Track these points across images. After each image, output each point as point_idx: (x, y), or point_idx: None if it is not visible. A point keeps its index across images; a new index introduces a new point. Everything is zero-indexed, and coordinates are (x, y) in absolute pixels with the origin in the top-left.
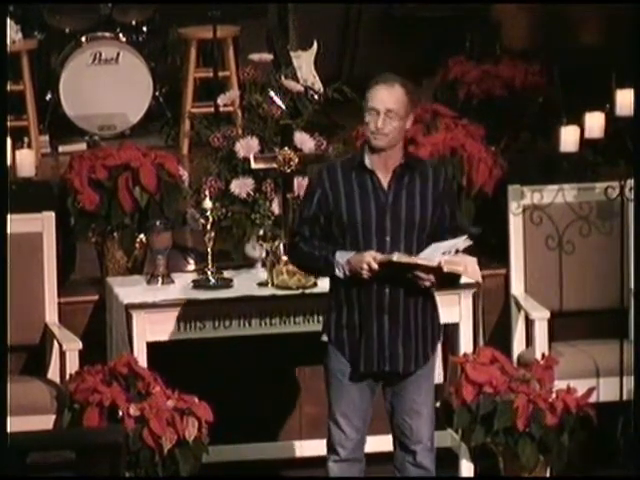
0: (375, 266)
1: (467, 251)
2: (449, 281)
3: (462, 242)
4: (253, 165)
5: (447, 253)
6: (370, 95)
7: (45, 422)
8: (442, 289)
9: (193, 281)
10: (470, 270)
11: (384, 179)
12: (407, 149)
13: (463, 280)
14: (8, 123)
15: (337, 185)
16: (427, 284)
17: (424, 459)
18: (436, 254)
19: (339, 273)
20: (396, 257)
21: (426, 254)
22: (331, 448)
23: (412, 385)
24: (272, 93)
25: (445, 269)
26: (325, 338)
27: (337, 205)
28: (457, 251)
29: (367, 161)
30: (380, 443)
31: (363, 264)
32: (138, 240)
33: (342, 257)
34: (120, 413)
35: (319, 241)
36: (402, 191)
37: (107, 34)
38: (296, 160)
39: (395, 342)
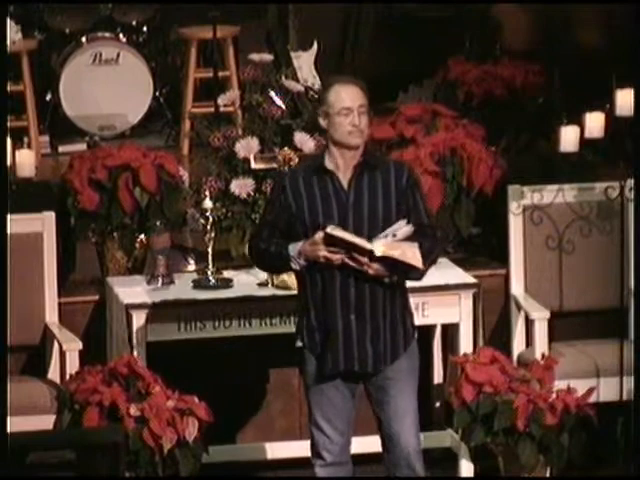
0: (319, 237)
1: (470, 251)
2: (402, 271)
3: (400, 227)
4: (253, 165)
5: (386, 237)
6: (336, 97)
7: (45, 422)
8: (404, 279)
9: (193, 281)
10: (409, 255)
11: (345, 179)
12: (369, 148)
13: (463, 280)
14: (8, 123)
15: (298, 189)
16: (370, 271)
17: (414, 462)
18: (377, 239)
19: (295, 266)
20: (329, 229)
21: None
22: (316, 453)
23: (392, 389)
24: (272, 93)
25: (378, 253)
26: (299, 343)
27: (299, 209)
28: (401, 238)
29: (327, 163)
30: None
31: (313, 246)
32: (138, 240)
33: (294, 249)
34: (120, 413)
35: (276, 239)
36: (363, 189)
37: (107, 34)
38: (296, 160)
39: (363, 341)
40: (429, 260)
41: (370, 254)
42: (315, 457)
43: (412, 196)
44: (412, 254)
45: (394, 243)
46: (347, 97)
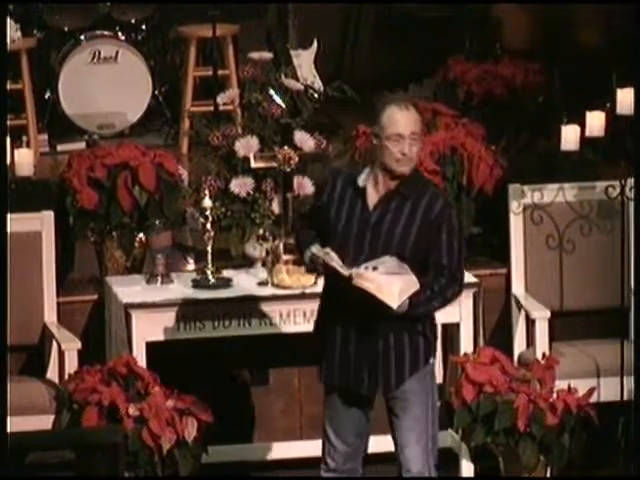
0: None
1: (470, 251)
2: (375, 300)
3: (385, 261)
4: (253, 164)
5: (366, 268)
6: (389, 121)
7: (44, 422)
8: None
9: (193, 281)
10: (385, 291)
11: (374, 199)
12: (415, 173)
13: (464, 279)
14: (7, 122)
15: (333, 196)
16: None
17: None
18: (364, 266)
19: (309, 266)
20: (314, 250)
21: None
22: (323, 458)
23: (400, 411)
24: (272, 92)
25: (354, 282)
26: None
27: (327, 216)
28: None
29: (363, 179)
30: (380, 443)
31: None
32: (137, 239)
33: (309, 250)
34: (119, 413)
35: (311, 231)
36: (387, 215)
37: (106, 33)
38: (296, 159)
39: (360, 361)
40: (430, 304)
41: (347, 279)
42: (322, 462)
43: (438, 232)
44: (388, 291)
45: (373, 275)
46: (399, 123)
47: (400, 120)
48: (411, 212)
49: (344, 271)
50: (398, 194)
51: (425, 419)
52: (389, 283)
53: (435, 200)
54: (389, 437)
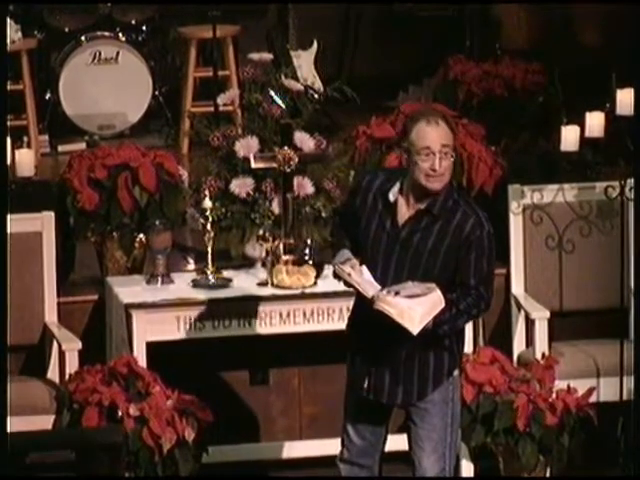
0: (338, 268)
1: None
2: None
3: (407, 286)
4: (253, 165)
5: (389, 292)
6: (419, 135)
7: (45, 422)
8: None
9: (193, 281)
10: (406, 317)
11: (405, 215)
12: (452, 190)
13: None
14: (8, 122)
15: (365, 206)
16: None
17: None
18: (389, 289)
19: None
20: (338, 269)
21: (387, 288)
22: (341, 444)
23: (417, 419)
24: (272, 92)
25: (375, 305)
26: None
27: (358, 224)
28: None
29: (392, 195)
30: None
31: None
32: (138, 240)
33: (340, 258)
34: (120, 413)
35: (343, 231)
36: (416, 233)
37: (107, 33)
38: (296, 160)
39: (382, 372)
40: (457, 321)
41: (369, 301)
42: (340, 450)
43: (467, 252)
44: (409, 317)
45: (395, 300)
46: (429, 137)
47: (429, 134)
48: (440, 231)
49: (366, 293)
50: (428, 213)
51: (444, 428)
52: (410, 308)
53: (466, 220)
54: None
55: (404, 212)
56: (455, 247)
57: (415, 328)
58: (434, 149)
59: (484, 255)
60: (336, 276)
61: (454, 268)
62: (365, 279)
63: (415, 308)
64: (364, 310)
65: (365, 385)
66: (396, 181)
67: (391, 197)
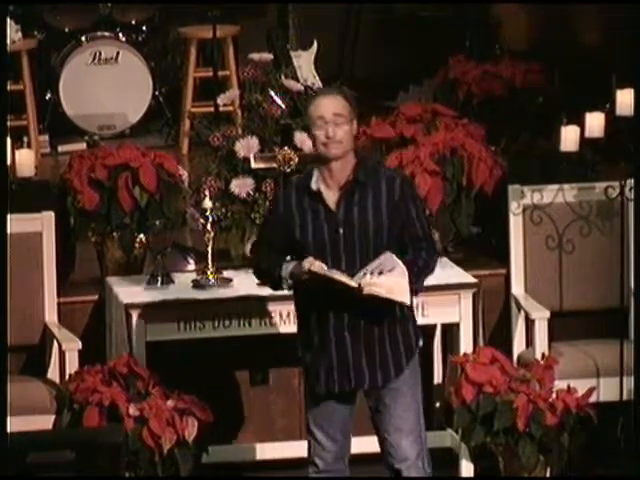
0: (304, 269)
1: (470, 251)
2: (387, 300)
3: (386, 260)
4: (253, 165)
5: (371, 273)
6: (313, 107)
7: (45, 422)
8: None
9: (193, 281)
10: (396, 291)
11: (334, 197)
12: (362, 161)
13: (463, 280)
14: (8, 123)
15: (291, 211)
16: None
17: (412, 474)
18: (363, 273)
19: (285, 286)
20: (315, 268)
21: (359, 273)
22: (311, 461)
23: (387, 399)
24: (272, 93)
25: (365, 291)
26: (300, 354)
27: (292, 230)
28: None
29: (314, 183)
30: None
31: (299, 274)
32: (138, 240)
33: (286, 270)
34: (120, 413)
35: (275, 256)
36: (353, 209)
37: (107, 34)
38: (296, 160)
39: (359, 358)
40: (422, 276)
41: (357, 289)
42: (310, 465)
43: (406, 209)
44: (399, 290)
45: (381, 280)
46: (321, 107)
47: (320, 104)
48: (375, 200)
49: (352, 282)
50: (356, 183)
51: (416, 408)
52: (397, 282)
53: (393, 182)
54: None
55: (331, 195)
56: (394, 206)
57: (407, 299)
58: (327, 118)
59: (420, 207)
60: (313, 278)
61: (399, 229)
62: (335, 271)
63: (400, 281)
64: (320, 314)
65: (337, 377)
66: (311, 174)
67: (313, 185)
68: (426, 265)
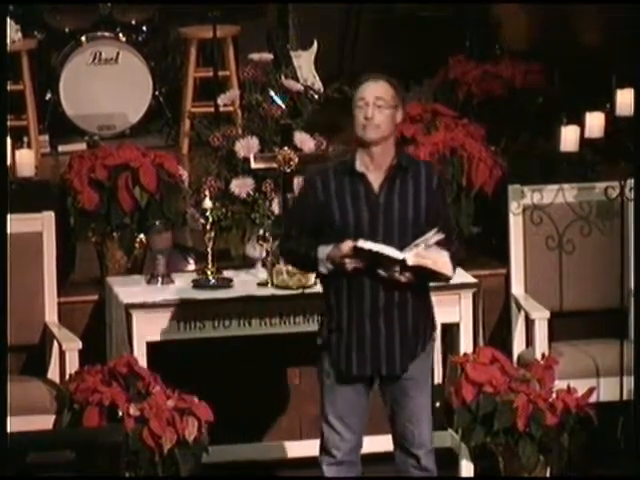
0: (345, 250)
1: (470, 251)
2: (430, 276)
3: (432, 235)
4: (253, 165)
5: (417, 247)
6: (358, 90)
7: (45, 422)
8: (431, 281)
9: (193, 281)
10: (440, 264)
11: (376, 181)
12: (400, 148)
13: (463, 280)
14: (8, 123)
15: (329, 191)
16: (402, 279)
17: (427, 462)
18: (408, 248)
19: (323, 269)
20: (360, 243)
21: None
22: (325, 450)
23: (411, 390)
24: (272, 93)
25: (410, 262)
26: (319, 341)
27: (330, 211)
28: (431, 245)
29: (358, 165)
30: (378, 443)
31: (340, 256)
32: (138, 240)
33: (323, 252)
34: (120, 413)
35: (307, 238)
36: (394, 193)
37: (107, 34)
38: (296, 160)
39: (392, 343)
40: (453, 261)
41: (401, 263)
42: (324, 454)
43: (441, 199)
44: (442, 263)
45: (425, 252)
46: (364, 90)
47: (365, 87)
48: (415, 187)
49: (399, 255)
50: (399, 168)
51: (430, 394)
52: (441, 255)
53: (431, 170)
54: (387, 437)
55: (374, 178)
56: (432, 195)
57: (450, 271)
58: (368, 100)
59: (447, 199)
60: (357, 255)
61: (434, 217)
62: (380, 245)
63: (443, 254)
64: (355, 300)
65: (376, 365)
66: (353, 158)
67: (357, 167)
68: (457, 254)
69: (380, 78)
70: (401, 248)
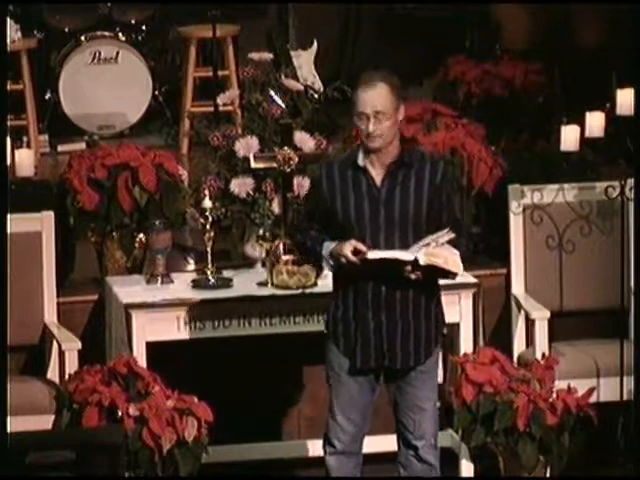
0: (352, 258)
1: (470, 251)
2: (440, 273)
3: (444, 235)
4: (253, 164)
5: (428, 245)
6: (356, 99)
7: (44, 422)
8: (440, 278)
9: (193, 281)
10: (451, 262)
11: (378, 176)
12: (406, 142)
13: (463, 280)
14: (7, 122)
15: (334, 184)
16: (412, 277)
17: (427, 455)
18: (418, 247)
19: (326, 266)
20: (370, 255)
21: (412, 248)
22: (327, 440)
23: (416, 381)
24: (272, 92)
25: (422, 262)
26: (326, 331)
27: (333, 204)
28: (443, 243)
29: (360, 160)
30: (380, 443)
31: (341, 258)
32: (137, 240)
33: (327, 249)
34: (119, 413)
35: (316, 232)
36: (396, 188)
37: (106, 33)
38: (296, 159)
39: (393, 338)
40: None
41: (413, 263)
42: (326, 444)
43: (446, 193)
44: (453, 261)
45: (436, 250)
46: (363, 102)
47: (364, 99)
48: (417, 182)
49: (408, 256)
50: (401, 164)
51: (436, 388)
52: (452, 253)
53: (436, 164)
54: (389, 437)
55: (376, 173)
56: (435, 189)
57: (461, 270)
58: (368, 114)
59: (454, 192)
60: (377, 262)
61: (437, 211)
62: (386, 251)
63: (454, 251)
64: (359, 295)
65: (379, 357)
66: (356, 153)
67: (360, 162)
68: (466, 247)
69: (378, 81)
70: (401, 242)
